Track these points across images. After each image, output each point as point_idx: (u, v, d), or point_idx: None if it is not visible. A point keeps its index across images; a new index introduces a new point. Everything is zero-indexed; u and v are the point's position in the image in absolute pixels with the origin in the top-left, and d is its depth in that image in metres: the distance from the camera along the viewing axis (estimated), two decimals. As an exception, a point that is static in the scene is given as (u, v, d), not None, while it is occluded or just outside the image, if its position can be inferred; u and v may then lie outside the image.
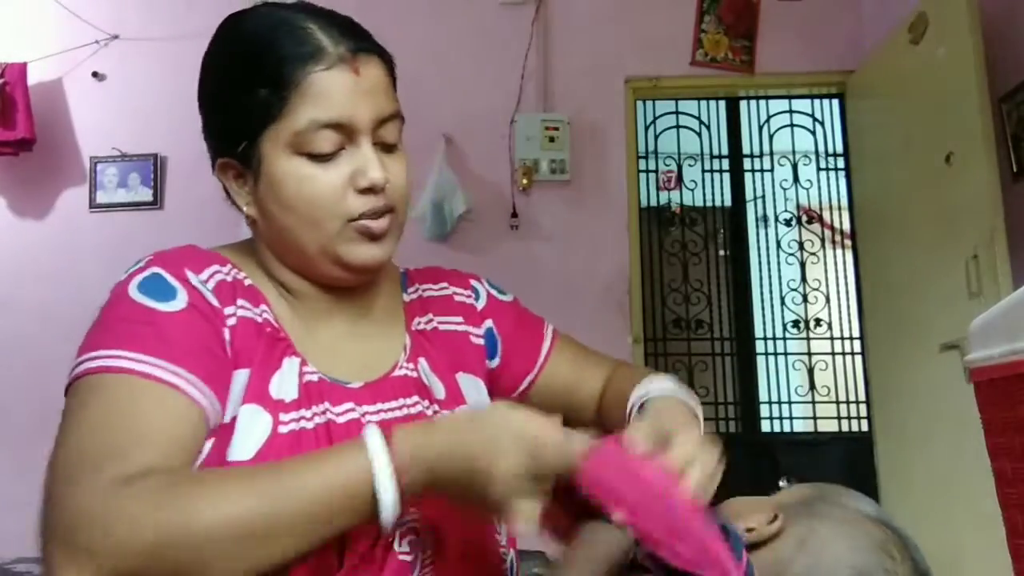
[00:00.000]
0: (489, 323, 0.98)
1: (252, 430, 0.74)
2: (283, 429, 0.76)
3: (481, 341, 0.96)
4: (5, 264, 3.42)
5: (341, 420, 0.79)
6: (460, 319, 0.95)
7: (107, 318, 0.76)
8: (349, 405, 0.81)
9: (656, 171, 3.58)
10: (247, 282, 0.83)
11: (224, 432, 0.74)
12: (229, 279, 0.81)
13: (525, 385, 0.98)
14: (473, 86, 3.39)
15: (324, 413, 0.78)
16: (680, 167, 3.59)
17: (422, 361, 0.88)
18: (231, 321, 0.78)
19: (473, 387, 0.91)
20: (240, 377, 0.76)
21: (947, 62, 2.60)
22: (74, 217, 3.43)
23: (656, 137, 3.57)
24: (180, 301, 0.76)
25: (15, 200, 3.47)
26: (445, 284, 0.99)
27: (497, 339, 0.98)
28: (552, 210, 3.33)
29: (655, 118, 3.58)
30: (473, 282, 1.01)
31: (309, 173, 0.78)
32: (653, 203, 3.57)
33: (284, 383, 0.78)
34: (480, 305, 0.98)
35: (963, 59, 2.51)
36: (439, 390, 0.87)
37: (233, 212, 0.86)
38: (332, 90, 0.77)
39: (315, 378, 0.80)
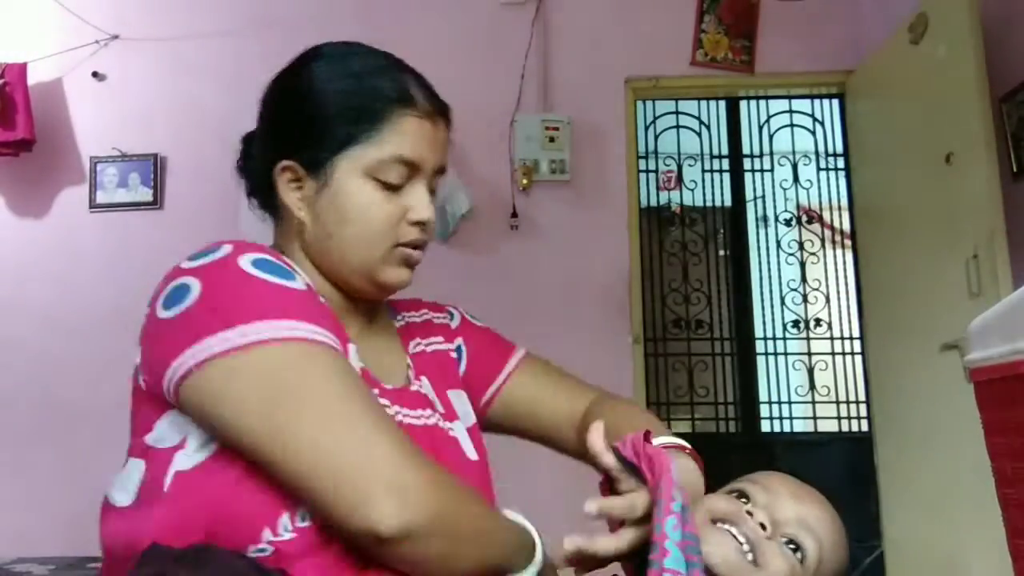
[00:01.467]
0: (459, 340, 1.05)
1: None
2: None
3: (455, 356, 1.04)
4: (5, 264, 3.42)
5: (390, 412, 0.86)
6: (440, 338, 1.04)
7: (233, 294, 0.74)
8: (385, 402, 0.85)
9: (656, 171, 3.58)
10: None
11: None
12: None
13: (487, 397, 1.04)
14: (473, 86, 3.39)
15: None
16: (680, 167, 3.59)
17: (424, 379, 0.96)
18: (321, 299, 0.84)
19: (460, 401, 0.99)
20: None
21: (947, 62, 2.60)
22: (74, 217, 3.43)
23: (656, 137, 3.57)
24: (299, 281, 0.80)
25: (15, 200, 3.47)
26: (425, 311, 1.07)
27: (463, 353, 1.05)
28: (552, 210, 3.33)
29: (655, 118, 3.58)
30: (449, 308, 1.09)
31: (376, 198, 0.87)
32: (653, 203, 3.58)
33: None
34: (454, 324, 1.07)
35: (963, 59, 2.51)
36: (439, 405, 0.94)
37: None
38: (417, 133, 0.88)
39: (362, 367, 0.86)
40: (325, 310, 0.81)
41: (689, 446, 0.89)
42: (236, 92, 3.38)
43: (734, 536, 0.75)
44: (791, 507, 0.79)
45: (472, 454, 0.93)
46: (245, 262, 0.77)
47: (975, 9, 2.50)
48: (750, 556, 0.74)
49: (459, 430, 0.93)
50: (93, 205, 3.43)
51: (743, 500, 0.79)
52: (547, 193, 3.34)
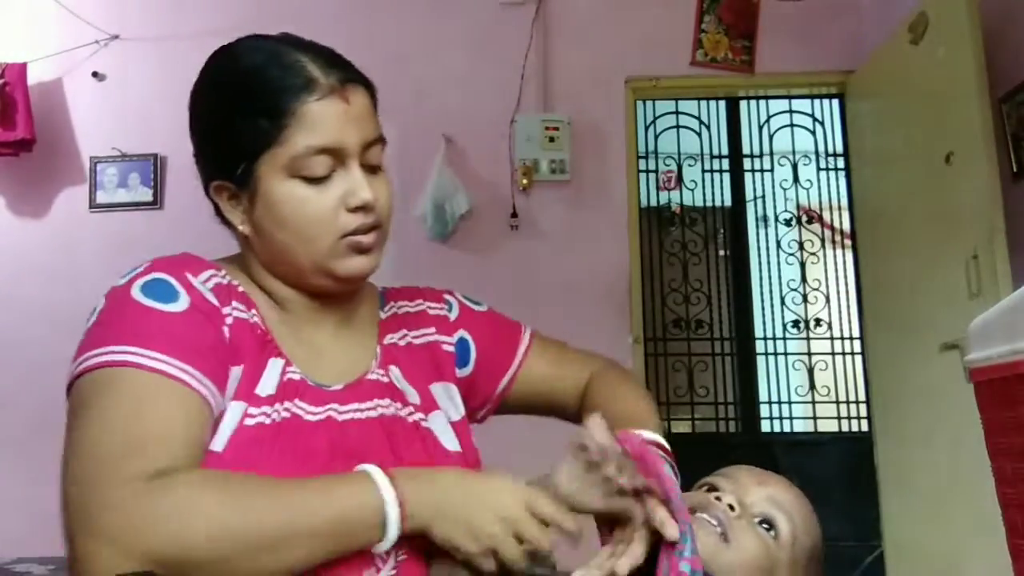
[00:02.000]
0: (462, 332, 1.02)
1: (230, 424, 0.79)
2: (248, 422, 0.80)
3: (452, 349, 1.00)
4: (5, 264, 3.42)
5: (314, 419, 0.84)
6: (432, 329, 1.00)
7: (109, 319, 0.79)
8: (330, 406, 0.85)
9: (656, 171, 3.58)
10: (240, 288, 0.88)
11: (213, 426, 0.79)
12: (224, 282, 0.86)
13: (504, 384, 1.04)
14: (473, 86, 3.39)
15: (289, 410, 0.82)
16: (680, 167, 3.59)
17: (393, 369, 0.93)
18: (229, 320, 0.83)
19: (446, 394, 0.97)
20: (235, 373, 0.81)
21: (947, 62, 2.60)
22: (74, 217, 3.43)
23: (656, 137, 3.57)
24: (183, 302, 0.80)
25: (15, 200, 3.47)
26: (420, 300, 1.03)
27: (471, 348, 1.02)
28: (552, 210, 3.33)
29: (655, 118, 3.58)
30: (446, 296, 1.06)
31: (305, 195, 0.83)
32: (653, 203, 3.58)
33: (267, 381, 0.83)
34: (453, 316, 1.03)
35: (963, 59, 2.50)
36: (413, 395, 0.92)
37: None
38: (325, 118, 0.82)
39: (296, 377, 0.85)
40: (203, 333, 0.79)
41: (666, 444, 0.89)
42: (236, 92, 3.39)
43: (707, 520, 0.78)
44: (758, 490, 0.83)
45: (452, 445, 0.91)
46: (135, 289, 0.80)
47: (975, 9, 2.50)
48: (722, 536, 0.78)
49: (436, 421, 0.92)
50: (93, 205, 3.43)
51: (712, 492, 0.83)
52: (547, 193, 3.34)
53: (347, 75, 0.85)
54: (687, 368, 3.48)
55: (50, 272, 3.38)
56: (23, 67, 3.34)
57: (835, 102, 3.54)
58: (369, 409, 0.88)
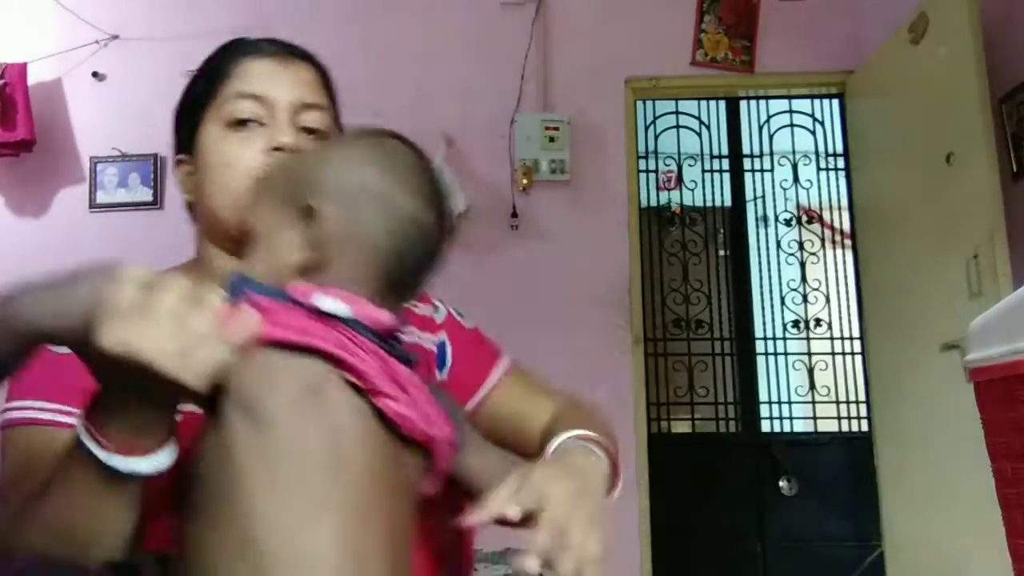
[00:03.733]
0: (443, 335, 0.99)
1: None
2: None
3: (432, 347, 0.98)
4: (5, 264, 3.42)
5: None
6: (413, 328, 0.96)
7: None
8: None
9: (656, 171, 3.58)
10: None
11: None
12: None
13: (472, 406, 0.98)
14: (473, 86, 3.39)
15: None
16: (680, 167, 3.59)
17: None
18: None
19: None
20: None
21: (947, 62, 2.60)
22: (74, 217, 3.43)
23: (656, 137, 3.57)
24: None
25: (15, 200, 3.47)
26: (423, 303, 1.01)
27: (448, 353, 0.99)
28: (552, 210, 3.33)
29: (655, 118, 3.58)
30: (435, 300, 1.03)
31: (234, 139, 0.86)
32: (653, 203, 3.57)
33: None
34: (439, 319, 1.00)
35: (963, 59, 2.51)
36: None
37: None
38: (256, 70, 0.88)
39: None
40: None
41: (602, 440, 0.85)
42: (236, 92, 3.39)
43: None
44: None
45: None
46: None
47: (975, 9, 2.50)
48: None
49: None
50: (93, 205, 3.43)
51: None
52: (547, 193, 3.34)
53: (293, 50, 0.91)
54: (687, 368, 3.48)
55: (50, 272, 3.37)
56: (23, 67, 3.34)
57: (835, 102, 3.54)
58: None
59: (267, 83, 0.87)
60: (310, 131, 0.88)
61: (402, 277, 0.74)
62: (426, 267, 0.76)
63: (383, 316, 0.70)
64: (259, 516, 0.62)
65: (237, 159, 0.84)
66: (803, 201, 3.59)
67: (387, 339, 0.71)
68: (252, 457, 0.63)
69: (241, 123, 0.85)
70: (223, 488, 0.63)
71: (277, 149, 0.84)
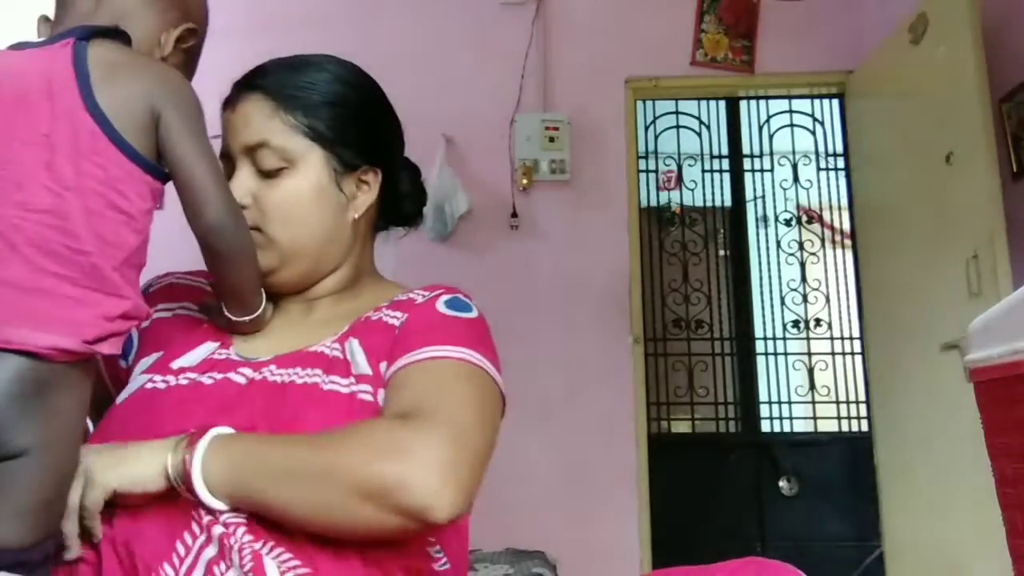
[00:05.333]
0: (407, 315, 0.94)
1: (130, 388, 0.89)
2: (149, 385, 0.87)
3: (396, 323, 0.94)
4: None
5: (210, 382, 0.87)
6: (398, 312, 0.95)
7: None
8: (245, 371, 0.88)
9: (656, 171, 3.58)
10: (193, 285, 1.04)
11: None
12: (166, 284, 1.03)
13: (387, 373, 0.89)
14: (473, 86, 3.39)
15: (190, 379, 0.88)
16: (680, 167, 3.59)
17: (351, 341, 0.91)
18: (144, 324, 0.95)
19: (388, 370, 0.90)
20: (149, 360, 0.92)
21: (947, 62, 2.60)
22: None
23: (656, 137, 3.57)
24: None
25: (15, 200, 3.47)
26: (419, 291, 0.98)
27: (399, 326, 0.93)
28: (552, 210, 3.33)
29: (655, 118, 3.58)
30: (439, 290, 0.98)
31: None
32: (653, 203, 3.57)
33: (191, 359, 0.90)
34: (419, 301, 0.96)
35: (963, 59, 2.50)
36: (363, 366, 0.88)
37: None
38: (224, 128, 0.96)
39: (223, 356, 0.90)
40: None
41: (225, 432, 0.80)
42: (236, 92, 3.38)
43: None
44: None
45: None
46: None
47: (975, 9, 2.50)
48: None
49: (378, 397, 0.86)
50: (93, 205, 3.42)
51: None
52: (547, 193, 3.34)
53: (243, 85, 0.96)
54: (687, 368, 3.48)
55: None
56: (23, 67, 3.33)
57: (835, 102, 3.54)
58: (290, 375, 0.86)
59: (228, 137, 0.95)
60: (265, 172, 0.92)
61: None
62: None
63: None
64: None
65: None
66: (803, 201, 3.59)
67: None
68: None
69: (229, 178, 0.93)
70: None
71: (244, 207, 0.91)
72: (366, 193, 1.00)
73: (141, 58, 0.85)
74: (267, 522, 0.77)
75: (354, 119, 0.98)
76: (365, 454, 0.75)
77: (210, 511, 0.76)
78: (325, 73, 0.97)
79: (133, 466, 0.76)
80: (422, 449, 0.75)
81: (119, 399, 0.89)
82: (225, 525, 0.76)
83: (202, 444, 0.76)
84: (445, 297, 0.96)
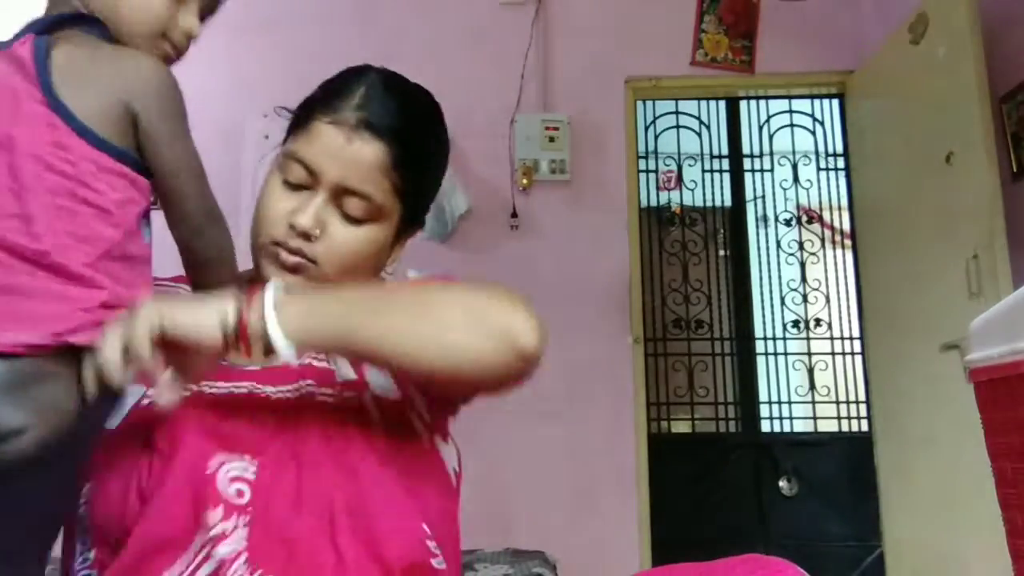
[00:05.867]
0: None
1: (127, 405, 0.85)
2: (144, 402, 0.84)
3: None
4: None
5: (217, 392, 0.85)
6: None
7: None
8: (246, 383, 0.86)
9: (656, 171, 3.58)
10: (163, 289, 0.95)
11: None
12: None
13: None
14: (473, 86, 3.39)
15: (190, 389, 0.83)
16: (680, 167, 3.59)
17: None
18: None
19: (376, 373, 0.90)
20: None
21: (947, 62, 2.60)
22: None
23: (656, 137, 3.57)
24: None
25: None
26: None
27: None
28: (552, 210, 3.33)
29: (655, 118, 3.58)
30: (436, 276, 0.99)
31: (275, 189, 0.90)
32: (653, 203, 3.57)
33: None
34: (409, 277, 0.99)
35: (963, 59, 2.50)
36: (346, 372, 0.89)
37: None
38: (322, 140, 0.87)
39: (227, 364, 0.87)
40: None
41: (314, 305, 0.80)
42: (236, 91, 3.38)
43: None
44: None
45: (357, 428, 0.85)
46: None
47: (975, 9, 2.50)
48: None
49: (362, 400, 0.88)
50: (93, 205, 3.42)
51: None
52: (547, 193, 3.34)
53: (373, 124, 0.87)
54: (687, 368, 3.48)
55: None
56: (23, 67, 3.33)
57: (835, 102, 3.54)
58: (291, 391, 0.86)
59: (323, 155, 0.87)
60: (349, 217, 0.89)
61: None
62: None
63: None
64: None
65: (268, 210, 0.90)
66: (803, 201, 3.59)
67: None
68: None
69: (288, 183, 0.89)
70: None
71: (293, 227, 0.87)
72: (402, 247, 0.99)
73: (110, 50, 0.83)
74: (268, 552, 0.76)
75: (435, 183, 0.98)
76: (456, 292, 0.81)
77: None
78: (433, 124, 0.96)
79: (186, 308, 0.75)
80: (499, 291, 0.83)
81: (115, 422, 0.86)
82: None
83: (272, 286, 0.76)
84: (418, 273, 0.99)
